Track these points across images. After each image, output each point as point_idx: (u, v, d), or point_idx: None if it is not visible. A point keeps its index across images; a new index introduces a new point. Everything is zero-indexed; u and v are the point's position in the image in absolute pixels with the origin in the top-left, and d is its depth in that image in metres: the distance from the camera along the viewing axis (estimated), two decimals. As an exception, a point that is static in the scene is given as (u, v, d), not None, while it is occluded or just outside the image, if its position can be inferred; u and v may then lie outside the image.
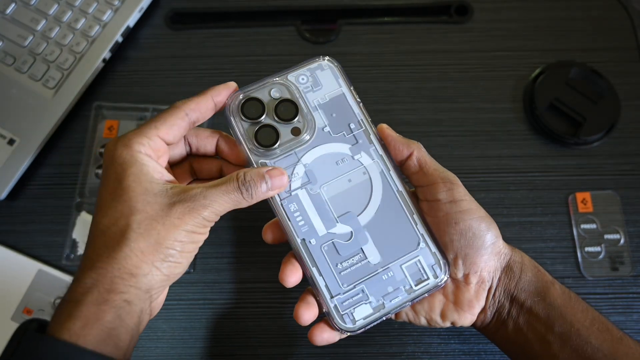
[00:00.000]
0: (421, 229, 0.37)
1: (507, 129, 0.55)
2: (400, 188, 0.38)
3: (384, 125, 0.38)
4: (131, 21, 0.57)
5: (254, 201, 0.35)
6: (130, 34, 0.58)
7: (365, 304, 0.36)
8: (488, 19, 0.59)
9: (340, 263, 0.37)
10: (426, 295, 0.37)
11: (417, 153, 0.37)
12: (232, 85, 0.37)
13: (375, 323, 0.36)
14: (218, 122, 0.49)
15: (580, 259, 0.51)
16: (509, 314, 0.37)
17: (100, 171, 0.53)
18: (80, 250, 0.50)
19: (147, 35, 0.59)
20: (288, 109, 0.37)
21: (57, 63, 0.54)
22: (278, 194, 0.36)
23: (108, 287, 0.31)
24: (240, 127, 0.37)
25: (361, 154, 0.38)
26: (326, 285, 0.36)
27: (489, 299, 0.37)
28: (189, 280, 0.51)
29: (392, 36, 0.59)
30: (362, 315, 0.36)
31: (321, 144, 0.38)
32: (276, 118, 0.37)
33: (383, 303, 0.37)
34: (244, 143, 0.37)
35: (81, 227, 0.51)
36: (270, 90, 0.37)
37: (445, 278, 0.37)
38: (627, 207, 0.52)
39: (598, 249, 0.51)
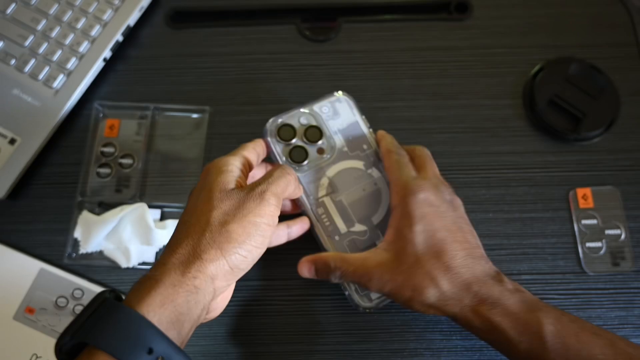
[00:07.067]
0: None
1: (508, 126, 0.55)
2: None
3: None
4: (131, 20, 0.57)
5: (294, 176, 0.43)
6: (131, 33, 0.58)
7: None
8: (488, 16, 0.59)
9: None
10: None
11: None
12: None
13: (386, 301, 0.45)
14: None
15: (581, 255, 0.51)
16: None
17: (101, 170, 0.53)
18: (82, 249, 0.50)
19: (148, 35, 0.59)
20: (314, 133, 0.48)
21: (58, 62, 0.54)
22: (308, 201, 0.46)
23: (183, 269, 0.35)
24: (277, 147, 0.47)
25: (372, 169, 0.48)
26: None
27: None
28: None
29: (392, 33, 0.59)
30: (376, 295, 0.45)
31: (341, 161, 0.48)
32: (305, 140, 0.47)
33: None
34: (279, 160, 0.47)
35: (82, 226, 0.51)
36: (299, 118, 0.48)
37: None
38: (628, 203, 0.52)
39: (599, 244, 0.51)
